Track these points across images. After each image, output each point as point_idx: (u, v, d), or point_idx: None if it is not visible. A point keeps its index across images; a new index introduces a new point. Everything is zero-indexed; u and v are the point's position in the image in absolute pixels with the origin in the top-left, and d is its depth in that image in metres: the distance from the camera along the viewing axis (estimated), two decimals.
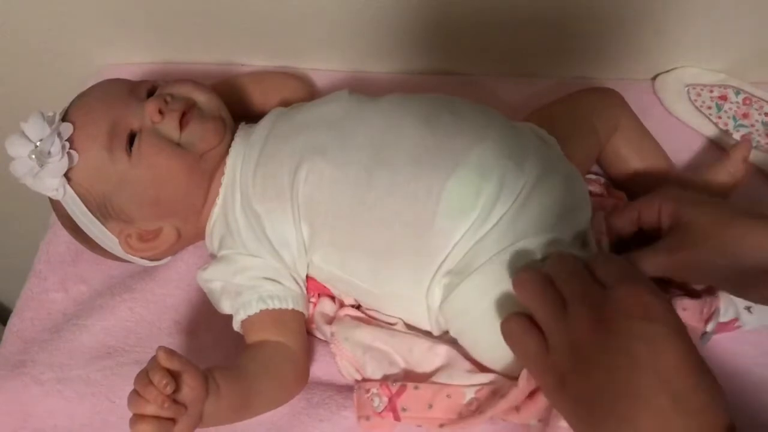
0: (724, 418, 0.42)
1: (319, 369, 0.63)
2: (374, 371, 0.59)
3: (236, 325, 0.61)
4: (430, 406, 0.56)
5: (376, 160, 0.58)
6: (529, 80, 0.80)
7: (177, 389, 0.50)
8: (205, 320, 0.66)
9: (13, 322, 0.68)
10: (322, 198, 0.59)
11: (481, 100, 0.77)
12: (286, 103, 0.70)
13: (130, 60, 0.83)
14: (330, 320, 0.63)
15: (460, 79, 0.81)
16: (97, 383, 0.63)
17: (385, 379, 0.59)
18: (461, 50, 0.79)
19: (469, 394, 0.56)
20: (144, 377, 0.50)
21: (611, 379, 0.44)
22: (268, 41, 0.79)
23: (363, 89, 0.78)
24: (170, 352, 0.50)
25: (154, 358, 0.50)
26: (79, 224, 0.63)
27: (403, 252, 0.57)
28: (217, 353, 0.64)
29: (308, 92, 0.75)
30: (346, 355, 0.61)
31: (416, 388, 0.56)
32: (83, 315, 0.67)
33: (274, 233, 0.61)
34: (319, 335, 0.64)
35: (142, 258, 0.66)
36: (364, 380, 0.60)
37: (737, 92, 0.77)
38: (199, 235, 0.66)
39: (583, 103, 0.68)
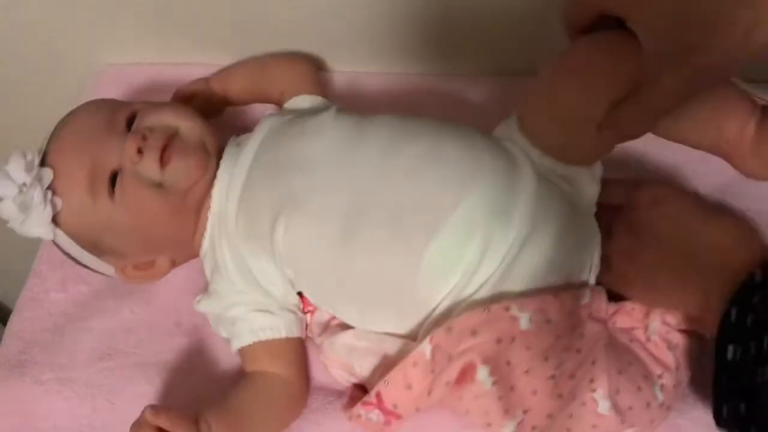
0: None
1: (319, 373, 0.63)
2: (362, 368, 0.58)
3: (233, 351, 0.62)
4: (410, 387, 0.53)
5: (357, 218, 0.55)
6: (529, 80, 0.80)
7: None
8: (206, 321, 0.65)
9: (13, 322, 0.68)
10: (302, 252, 0.58)
11: (481, 100, 0.78)
12: (286, 94, 0.70)
13: (131, 60, 0.83)
14: (325, 328, 0.62)
15: (461, 79, 0.81)
16: (97, 384, 0.63)
17: (356, 398, 0.58)
18: (462, 50, 0.79)
19: (426, 348, 0.53)
20: None
21: None
22: (268, 42, 0.79)
23: (363, 90, 0.79)
24: (156, 410, 0.51)
25: (143, 415, 0.52)
26: (75, 257, 0.63)
27: (387, 306, 0.57)
28: (217, 353, 0.65)
29: (309, 82, 0.72)
30: (335, 361, 0.60)
31: (386, 383, 0.54)
32: (84, 316, 0.67)
33: (259, 273, 0.60)
34: (318, 342, 0.64)
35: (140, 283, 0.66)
36: (351, 402, 0.58)
37: None
38: (196, 256, 0.65)
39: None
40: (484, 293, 0.53)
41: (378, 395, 0.55)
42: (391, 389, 0.54)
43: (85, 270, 0.68)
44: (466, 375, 0.52)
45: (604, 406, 0.54)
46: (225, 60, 0.81)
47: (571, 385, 0.53)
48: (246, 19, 0.76)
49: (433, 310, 0.55)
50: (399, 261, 0.54)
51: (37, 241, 0.73)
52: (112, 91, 0.81)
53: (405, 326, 0.57)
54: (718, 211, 0.59)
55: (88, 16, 0.78)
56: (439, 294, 0.54)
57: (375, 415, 0.56)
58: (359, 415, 0.56)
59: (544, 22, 0.74)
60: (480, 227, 0.53)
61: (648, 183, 0.60)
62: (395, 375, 0.54)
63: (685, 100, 0.48)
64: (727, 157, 0.58)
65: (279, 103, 0.71)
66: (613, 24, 0.51)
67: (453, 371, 0.52)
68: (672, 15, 0.45)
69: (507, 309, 0.52)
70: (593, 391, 0.54)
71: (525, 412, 0.53)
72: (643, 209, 0.57)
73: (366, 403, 0.55)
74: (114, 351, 0.65)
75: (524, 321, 0.52)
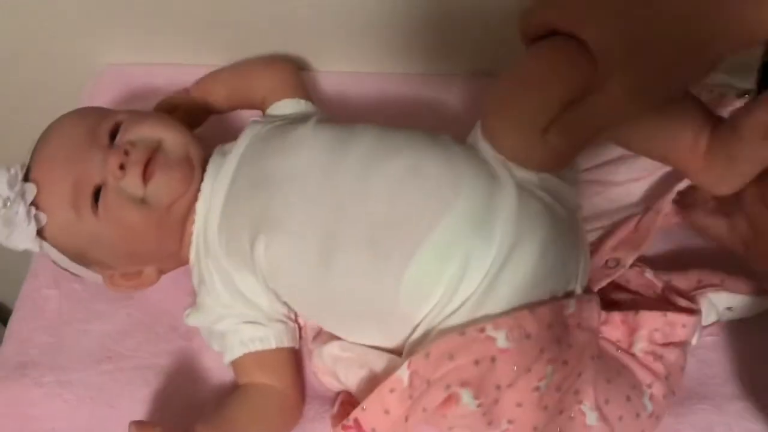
0: None
1: (316, 382, 0.63)
2: (347, 378, 0.58)
3: (225, 364, 0.62)
4: (387, 412, 0.53)
5: (335, 237, 0.55)
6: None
7: None
8: None
9: (13, 323, 0.68)
10: (283, 271, 0.57)
11: (476, 101, 0.77)
12: (268, 98, 0.69)
13: (131, 60, 0.83)
14: (318, 333, 0.63)
15: (455, 79, 0.81)
16: (97, 387, 0.63)
17: (346, 404, 0.58)
18: (456, 50, 0.79)
19: (404, 374, 0.53)
20: None
21: None
22: (268, 42, 0.79)
23: (356, 90, 0.79)
24: (142, 427, 0.52)
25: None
26: (63, 266, 0.64)
27: (371, 322, 0.56)
28: (215, 356, 0.64)
29: (291, 85, 0.72)
30: (323, 369, 0.60)
31: (364, 409, 0.54)
32: (83, 318, 0.67)
33: (244, 287, 0.60)
34: (310, 347, 0.64)
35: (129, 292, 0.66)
36: (339, 413, 0.59)
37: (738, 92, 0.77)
38: (184, 263, 0.65)
39: None
40: (466, 309, 0.53)
41: (356, 420, 0.54)
42: (368, 414, 0.54)
43: None
44: (451, 400, 0.52)
45: (591, 417, 0.54)
46: (224, 60, 0.81)
47: (557, 398, 0.53)
48: (245, 20, 0.76)
49: (417, 326, 0.54)
50: (379, 281, 0.54)
51: None
52: (112, 91, 0.81)
53: (390, 341, 0.57)
54: None
55: (88, 16, 0.78)
56: (421, 311, 0.54)
57: None
58: None
59: None
60: (460, 245, 0.53)
61: None
62: (372, 401, 0.53)
63: (630, 113, 0.47)
64: (680, 168, 0.55)
65: (262, 109, 0.70)
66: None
67: (431, 398, 0.52)
68: (618, 34, 0.45)
69: (482, 330, 0.51)
70: (580, 402, 0.54)
71: (510, 422, 0.53)
72: None
73: (346, 427, 0.55)
74: (113, 354, 0.65)
75: (501, 339, 0.51)
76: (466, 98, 0.79)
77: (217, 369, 0.64)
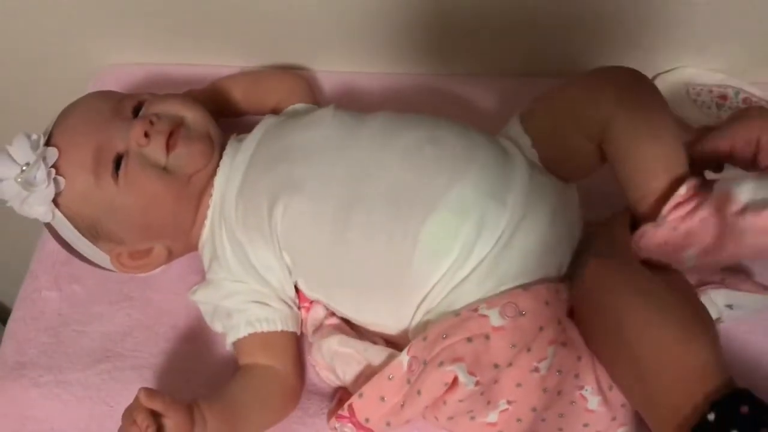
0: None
1: (317, 377, 0.63)
2: (345, 373, 0.59)
3: (228, 346, 0.62)
4: (383, 399, 0.54)
5: (355, 198, 0.56)
6: (529, 80, 0.80)
7: (161, 428, 0.52)
8: (203, 324, 0.65)
9: (11, 322, 0.68)
10: (300, 235, 0.58)
11: (482, 100, 0.78)
12: (281, 104, 0.71)
13: (131, 60, 0.84)
14: (318, 327, 0.63)
15: (458, 79, 0.81)
16: (95, 387, 0.64)
17: (343, 401, 0.58)
18: (458, 51, 0.79)
19: (404, 359, 0.54)
20: (129, 416, 0.52)
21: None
22: (268, 42, 0.79)
23: (360, 90, 0.80)
24: (150, 393, 0.52)
25: (137, 398, 0.52)
26: (70, 242, 0.63)
27: (382, 289, 0.57)
28: (214, 356, 0.65)
29: (304, 91, 0.74)
30: (322, 364, 0.61)
31: (361, 396, 0.55)
32: (82, 321, 0.68)
33: (257, 260, 0.61)
34: (310, 340, 0.64)
35: (133, 273, 0.66)
36: (330, 415, 0.59)
37: (737, 92, 0.77)
38: (192, 249, 0.66)
39: (567, 96, 0.60)
40: (478, 275, 0.54)
41: (351, 408, 0.55)
42: (364, 402, 0.55)
43: (81, 271, 0.69)
44: (451, 387, 0.52)
45: (593, 401, 0.54)
46: (224, 60, 0.81)
47: (558, 380, 0.53)
48: (246, 20, 0.76)
49: (425, 297, 0.55)
50: (397, 238, 0.55)
51: (35, 241, 0.73)
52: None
53: (396, 317, 0.57)
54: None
55: (90, 17, 0.78)
56: (434, 274, 0.55)
57: (349, 429, 0.56)
58: (335, 428, 0.57)
59: (540, 22, 0.74)
60: (475, 206, 0.55)
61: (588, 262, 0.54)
62: (370, 387, 0.55)
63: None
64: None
65: (275, 113, 0.71)
66: None
67: (426, 378, 0.52)
68: None
69: (475, 310, 0.53)
70: (581, 387, 0.54)
71: (509, 402, 0.53)
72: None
73: (340, 416, 0.56)
74: (111, 354, 0.65)
75: (494, 317, 0.52)
76: (467, 98, 0.79)
77: (217, 368, 0.64)
